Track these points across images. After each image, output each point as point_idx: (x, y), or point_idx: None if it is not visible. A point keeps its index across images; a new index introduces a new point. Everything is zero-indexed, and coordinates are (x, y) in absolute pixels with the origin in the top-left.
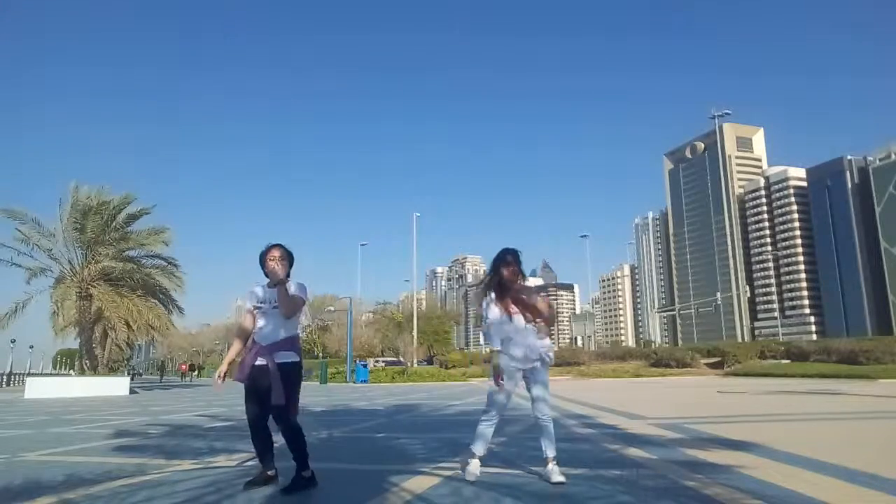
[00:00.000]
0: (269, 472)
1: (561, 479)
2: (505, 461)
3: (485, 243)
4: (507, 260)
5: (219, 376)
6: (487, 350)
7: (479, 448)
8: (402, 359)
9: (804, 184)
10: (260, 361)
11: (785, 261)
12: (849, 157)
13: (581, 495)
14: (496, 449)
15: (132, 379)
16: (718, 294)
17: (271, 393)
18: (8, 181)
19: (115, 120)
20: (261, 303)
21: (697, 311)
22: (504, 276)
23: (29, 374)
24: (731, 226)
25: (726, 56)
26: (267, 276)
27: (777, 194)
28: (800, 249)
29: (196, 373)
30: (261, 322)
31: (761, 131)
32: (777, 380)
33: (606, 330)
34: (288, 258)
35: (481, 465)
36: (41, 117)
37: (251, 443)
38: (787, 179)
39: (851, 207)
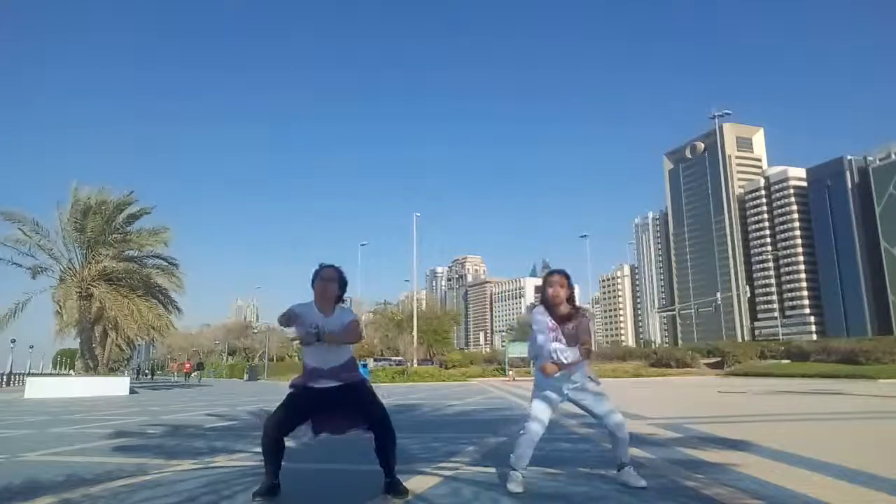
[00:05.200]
0: (275, 482)
1: (643, 483)
2: (505, 461)
3: (485, 243)
4: (549, 281)
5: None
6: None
7: (519, 462)
8: (402, 358)
9: (804, 184)
10: (324, 384)
11: (785, 261)
12: (849, 157)
13: (581, 495)
14: (496, 449)
15: (137, 378)
16: (718, 294)
17: (360, 396)
18: (8, 181)
19: (115, 120)
20: (314, 329)
21: (697, 311)
22: (548, 295)
23: (29, 374)
24: (731, 226)
25: (726, 56)
26: (314, 293)
27: (777, 194)
28: (800, 249)
29: (198, 372)
30: (314, 350)
31: (761, 131)
32: (777, 380)
33: (606, 330)
34: (339, 282)
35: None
36: (41, 117)
37: (263, 454)
38: (787, 179)
39: (851, 207)
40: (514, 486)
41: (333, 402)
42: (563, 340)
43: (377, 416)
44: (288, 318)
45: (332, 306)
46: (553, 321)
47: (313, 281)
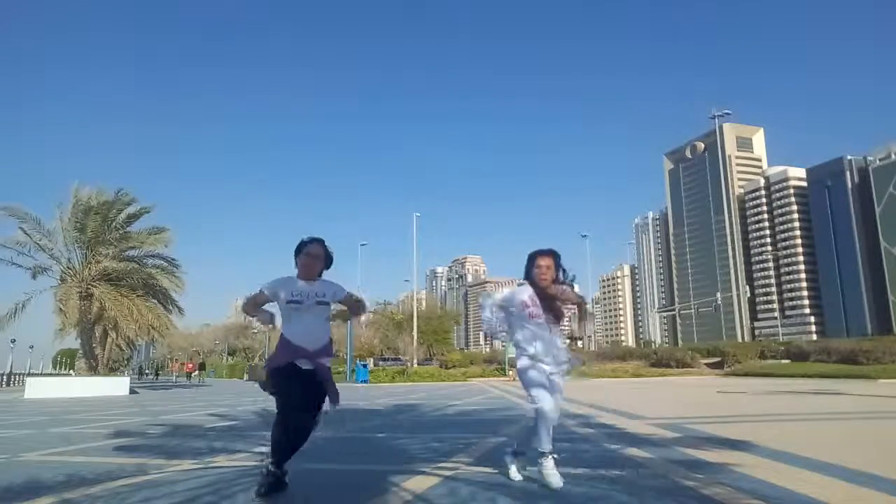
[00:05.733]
0: (281, 474)
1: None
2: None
3: (485, 243)
4: (536, 263)
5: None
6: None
7: (545, 447)
8: (402, 357)
9: (804, 184)
10: (303, 365)
11: (785, 261)
12: (849, 157)
13: (581, 495)
14: (496, 449)
15: (140, 378)
16: (718, 294)
17: (321, 396)
18: (8, 181)
19: (115, 120)
20: (297, 297)
21: (697, 311)
22: (533, 277)
23: (29, 374)
24: (731, 226)
25: (726, 56)
26: (297, 267)
27: (777, 194)
28: (800, 249)
29: (201, 372)
30: (296, 320)
31: (761, 131)
32: (777, 380)
33: (606, 330)
34: (325, 259)
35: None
36: (41, 117)
37: (279, 447)
38: (787, 179)
39: (851, 207)
40: (515, 474)
41: (307, 387)
42: (542, 318)
43: (315, 413)
44: (256, 305)
45: (314, 279)
46: (535, 299)
47: (297, 253)
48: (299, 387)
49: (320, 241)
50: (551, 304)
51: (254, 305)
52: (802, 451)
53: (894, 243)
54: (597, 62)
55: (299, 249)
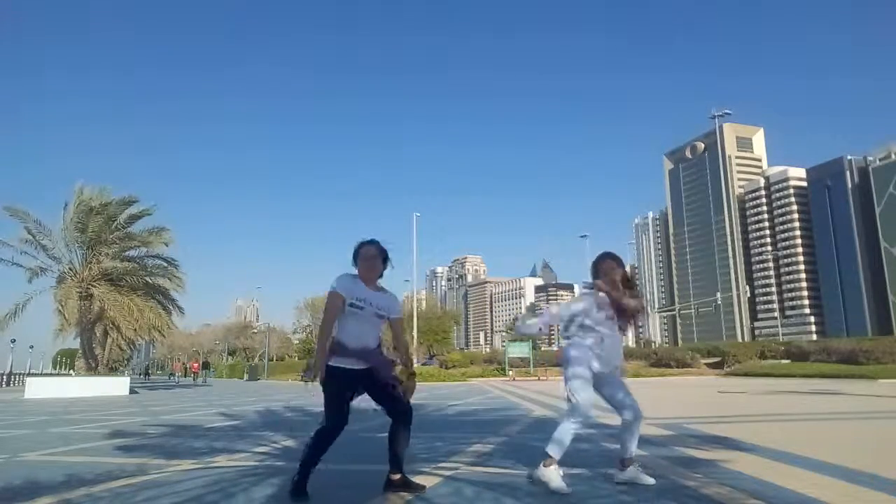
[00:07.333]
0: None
1: (651, 480)
2: (505, 461)
3: (485, 243)
4: (612, 266)
5: (312, 379)
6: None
7: (555, 451)
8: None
9: (804, 184)
10: (357, 366)
11: (785, 261)
12: (849, 157)
13: (581, 495)
14: (496, 449)
15: (147, 378)
16: (718, 294)
17: (385, 389)
18: (8, 182)
19: (115, 120)
20: (360, 303)
21: (697, 311)
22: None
23: (29, 374)
24: (731, 226)
25: (726, 56)
26: (358, 270)
27: (777, 194)
28: (800, 249)
29: (206, 371)
30: (352, 323)
31: (761, 131)
32: (777, 380)
33: None
34: (382, 258)
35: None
36: (42, 118)
37: (311, 454)
38: (787, 179)
39: (851, 207)
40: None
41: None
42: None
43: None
44: (338, 311)
45: (375, 282)
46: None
47: (355, 257)
48: (349, 403)
49: (373, 242)
50: (619, 309)
51: (335, 313)
52: (802, 451)
53: (894, 243)
54: (597, 62)
55: (357, 253)
